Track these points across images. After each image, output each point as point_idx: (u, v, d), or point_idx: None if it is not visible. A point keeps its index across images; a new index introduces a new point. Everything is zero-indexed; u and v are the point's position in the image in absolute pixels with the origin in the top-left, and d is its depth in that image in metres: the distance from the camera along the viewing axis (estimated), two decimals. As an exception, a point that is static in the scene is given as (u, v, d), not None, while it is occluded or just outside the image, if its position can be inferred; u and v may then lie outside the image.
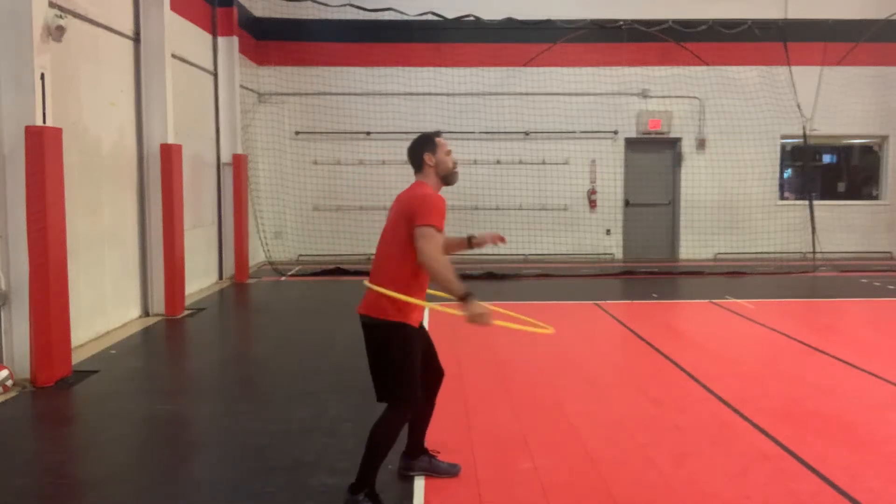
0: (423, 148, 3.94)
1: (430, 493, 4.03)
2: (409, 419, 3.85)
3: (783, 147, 15.19)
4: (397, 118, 14.12)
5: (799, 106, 14.36)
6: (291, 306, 10.39)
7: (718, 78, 14.62)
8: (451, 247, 4.22)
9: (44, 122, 6.03)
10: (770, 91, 14.56)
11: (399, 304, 3.68)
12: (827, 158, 16.13)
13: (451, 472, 4.27)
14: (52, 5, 6.35)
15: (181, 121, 9.75)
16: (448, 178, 3.98)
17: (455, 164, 4.00)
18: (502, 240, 4.21)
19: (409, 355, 3.74)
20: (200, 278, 11.05)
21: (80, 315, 7.24)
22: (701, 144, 14.83)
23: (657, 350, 7.34)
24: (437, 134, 4.05)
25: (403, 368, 3.72)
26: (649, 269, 13.46)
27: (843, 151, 16.12)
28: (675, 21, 13.87)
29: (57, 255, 6.16)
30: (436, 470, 4.25)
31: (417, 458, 4.23)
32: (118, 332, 8.09)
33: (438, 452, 4.37)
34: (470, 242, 4.23)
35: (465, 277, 13.20)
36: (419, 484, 4.13)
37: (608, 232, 14.99)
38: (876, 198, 15.51)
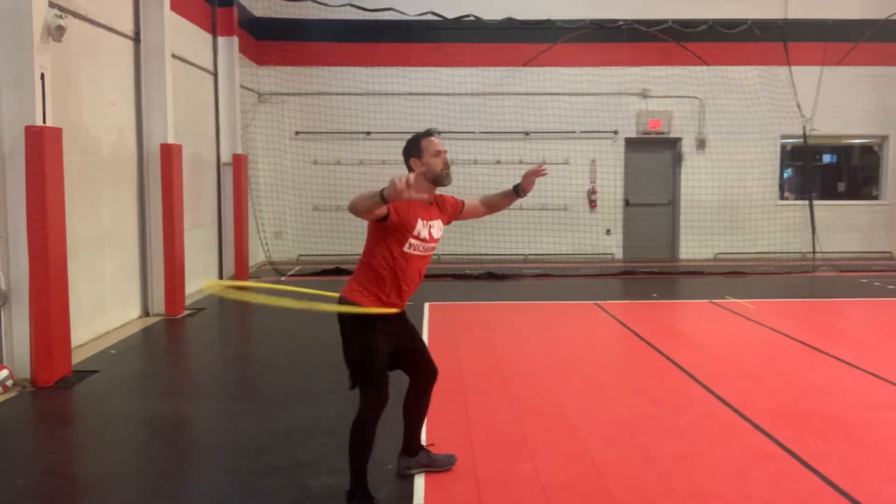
0: (408, 154, 3.88)
1: (429, 493, 4.02)
2: (379, 408, 3.75)
3: (783, 147, 15.18)
4: (397, 118, 14.10)
5: (799, 106, 14.35)
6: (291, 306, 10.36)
7: (718, 78, 14.61)
8: (500, 204, 4.18)
9: (44, 122, 6.02)
10: (770, 91, 14.55)
11: (354, 294, 3.77)
12: (827, 158, 16.12)
13: (449, 462, 4.30)
14: (52, 5, 6.35)
15: (181, 121, 9.74)
16: (437, 180, 3.85)
17: (446, 165, 3.85)
18: (542, 171, 4.04)
19: (365, 345, 3.72)
20: (200, 278, 11.03)
21: (80, 315, 7.23)
22: (701, 144, 14.83)
23: (657, 350, 7.34)
24: (429, 133, 3.91)
25: (360, 358, 3.75)
26: (649, 269, 13.45)
27: (843, 151, 16.11)
28: (675, 21, 13.86)
29: (57, 255, 6.15)
30: (434, 463, 4.25)
31: (415, 456, 4.23)
32: (118, 332, 8.08)
33: (433, 445, 4.40)
34: (517, 191, 4.09)
35: (465, 277, 13.03)
36: (419, 484, 4.13)
37: (608, 232, 14.98)
38: (876, 198, 15.50)
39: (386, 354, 3.79)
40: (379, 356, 3.75)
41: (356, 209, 3.53)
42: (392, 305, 3.80)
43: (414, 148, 3.85)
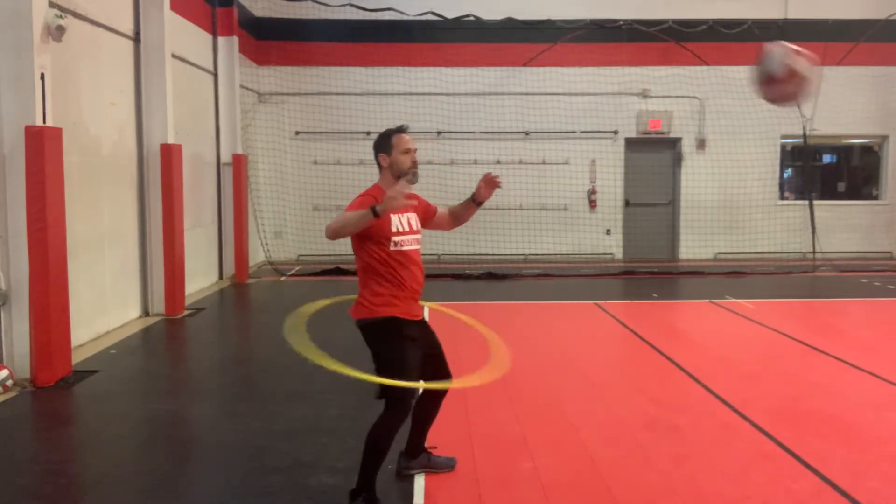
0: (377, 149, 3.89)
1: (429, 493, 4.03)
2: (403, 418, 3.76)
3: (783, 147, 15.18)
4: (397, 118, 14.04)
5: (799, 106, 14.34)
6: (291, 306, 10.36)
7: (718, 78, 14.60)
8: (463, 215, 4.18)
9: (44, 122, 6.02)
10: (770, 91, 14.52)
11: (368, 302, 3.77)
12: (827, 158, 16.12)
13: (449, 465, 4.29)
14: (52, 5, 6.35)
15: (181, 121, 9.74)
16: (404, 178, 3.85)
17: (414, 163, 3.85)
18: (497, 183, 4.03)
19: (392, 350, 3.72)
20: (200, 278, 11.04)
21: (80, 315, 7.23)
22: (701, 144, 14.83)
23: (657, 350, 7.34)
24: (401, 129, 3.89)
25: (387, 364, 3.72)
26: (649, 269, 13.45)
27: (843, 151, 16.11)
28: (675, 21, 13.88)
29: (57, 255, 6.15)
30: (434, 465, 4.25)
31: (417, 458, 4.24)
32: (118, 332, 8.09)
33: (435, 448, 4.38)
34: (475, 201, 4.09)
35: (465, 277, 12.96)
36: (419, 484, 4.13)
37: (608, 232, 14.98)
38: (876, 198, 15.50)
39: (417, 362, 3.79)
40: (410, 366, 3.74)
41: (343, 232, 3.55)
42: (409, 304, 3.82)
43: (384, 143, 3.86)
